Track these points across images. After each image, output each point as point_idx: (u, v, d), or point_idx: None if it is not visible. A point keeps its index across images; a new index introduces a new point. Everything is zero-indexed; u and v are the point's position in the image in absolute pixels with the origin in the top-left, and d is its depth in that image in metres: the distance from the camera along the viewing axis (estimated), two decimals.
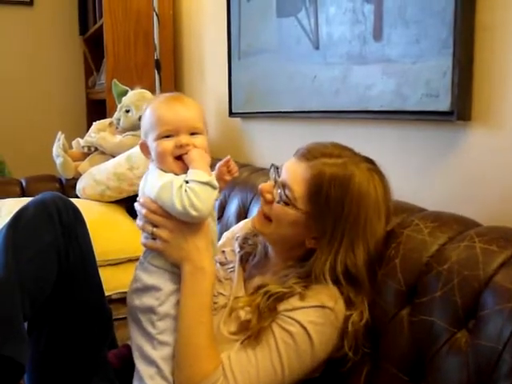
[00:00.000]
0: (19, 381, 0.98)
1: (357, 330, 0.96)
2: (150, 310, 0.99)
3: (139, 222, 1.04)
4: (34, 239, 1.05)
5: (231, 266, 1.15)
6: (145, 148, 1.05)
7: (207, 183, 0.96)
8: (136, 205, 1.05)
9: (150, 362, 0.98)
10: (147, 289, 1.01)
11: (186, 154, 0.99)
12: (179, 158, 1.00)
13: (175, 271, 1.01)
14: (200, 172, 0.97)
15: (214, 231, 1.08)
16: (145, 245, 1.03)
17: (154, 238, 1.01)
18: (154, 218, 1.00)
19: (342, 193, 0.97)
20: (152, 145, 1.01)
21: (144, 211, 1.01)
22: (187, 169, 0.99)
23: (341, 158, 1.00)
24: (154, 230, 1.00)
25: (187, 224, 0.99)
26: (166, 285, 1.00)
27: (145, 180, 1.05)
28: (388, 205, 1.02)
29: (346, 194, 0.97)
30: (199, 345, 0.95)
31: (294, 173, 1.02)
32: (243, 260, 1.16)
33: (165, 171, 1.00)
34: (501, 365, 0.76)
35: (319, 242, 1.00)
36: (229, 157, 1.08)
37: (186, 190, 0.95)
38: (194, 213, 0.94)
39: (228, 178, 1.07)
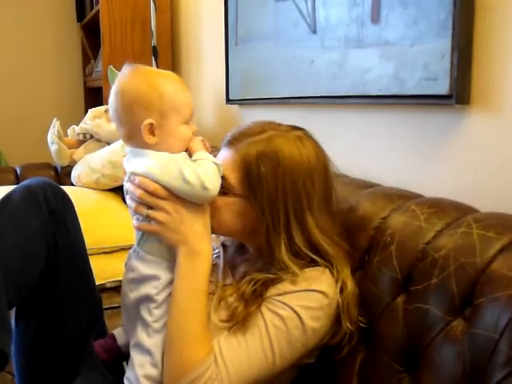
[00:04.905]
0: (2, 369, 0.96)
1: (348, 302, 0.95)
2: (148, 299, 0.96)
3: (131, 203, 0.98)
4: (19, 226, 1.02)
5: (216, 251, 1.13)
6: (149, 129, 0.94)
7: (216, 164, 0.95)
8: (128, 185, 0.98)
9: (145, 350, 0.96)
10: (145, 279, 0.97)
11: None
12: None
13: (172, 259, 0.97)
14: (207, 154, 0.97)
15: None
16: (138, 227, 0.98)
17: (148, 220, 0.97)
18: (151, 200, 0.94)
19: (273, 167, 0.96)
20: (175, 128, 0.96)
21: (139, 192, 0.94)
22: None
23: (264, 133, 1.00)
24: (150, 212, 0.95)
25: (185, 206, 0.95)
26: (164, 274, 0.97)
27: (132, 162, 0.98)
28: (326, 167, 1.01)
29: (277, 168, 0.96)
30: (192, 331, 0.92)
31: (224, 161, 1.00)
32: (225, 246, 1.14)
33: (158, 151, 0.95)
34: (497, 354, 0.73)
35: (267, 225, 0.97)
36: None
37: (194, 166, 0.92)
38: (208, 185, 0.91)
39: None
